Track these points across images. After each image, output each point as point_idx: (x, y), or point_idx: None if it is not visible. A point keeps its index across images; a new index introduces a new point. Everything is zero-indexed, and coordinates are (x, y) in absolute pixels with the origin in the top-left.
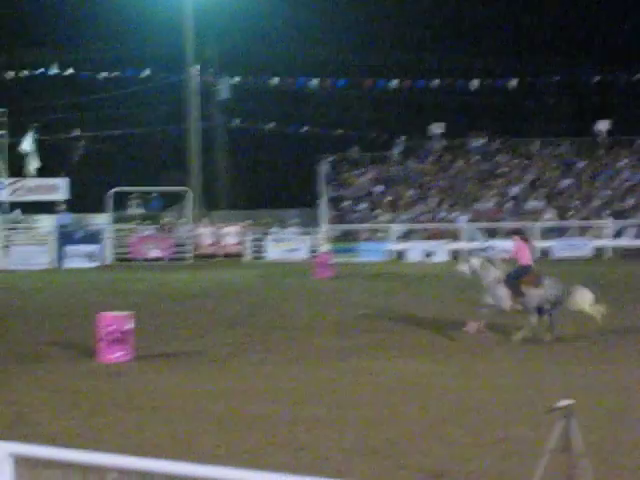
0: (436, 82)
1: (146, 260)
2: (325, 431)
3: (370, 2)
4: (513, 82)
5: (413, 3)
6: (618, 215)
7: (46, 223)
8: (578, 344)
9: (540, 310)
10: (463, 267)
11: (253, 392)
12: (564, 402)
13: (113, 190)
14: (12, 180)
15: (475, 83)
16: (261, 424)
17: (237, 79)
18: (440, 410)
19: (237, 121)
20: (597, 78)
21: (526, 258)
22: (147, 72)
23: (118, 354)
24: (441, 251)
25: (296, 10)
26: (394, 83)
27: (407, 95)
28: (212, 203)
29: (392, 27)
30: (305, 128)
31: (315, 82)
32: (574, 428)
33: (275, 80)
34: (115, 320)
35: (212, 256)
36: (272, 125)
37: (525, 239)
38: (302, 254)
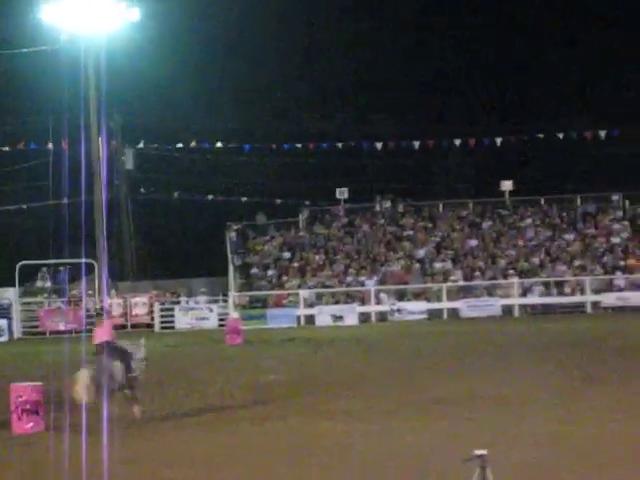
0: (339, 145)
1: (55, 333)
2: None
3: (275, 69)
4: (416, 144)
5: (318, 66)
6: (524, 274)
7: None
8: (488, 400)
9: None
10: None
11: (168, 457)
12: (479, 452)
13: (20, 264)
14: None
15: (379, 146)
16: None
17: (141, 148)
18: (345, 471)
19: (142, 191)
20: (500, 139)
21: None
22: (49, 144)
23: (30, 425)
24: (350, 314)
25: (200, 78)
26: (298, 146)
27: (311, 161)
28: (119, 274)
29: (296, 92)
30: (210, 197)
31: (219, 146)
32: (489, 477)
33: (179, 148)
34: (25, 391)
35: (121, 327)
36: (177, 194)
37: None
38: (211, 322)
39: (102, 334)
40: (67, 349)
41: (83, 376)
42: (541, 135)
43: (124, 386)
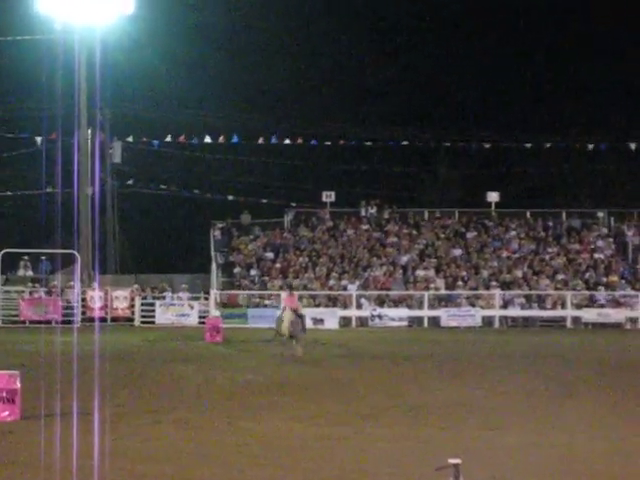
0: (328, 144)
1: (35, 322)
2: None
3: (267, 67)
4: (404, 150)
5: (310, 67)
6: (506, 286)
7: None
8: (463, 409)
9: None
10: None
11: (141, 452)
12: (453, 461)
13: (2, 251)
14: None
15: (367, 149)
16: None
17: (130, 141)
18: (316, 475)
19: (129, 184)
20: (487, 148)
21: None
22: (39, 134)
23: (5, 413)
24: (331, 318)
25: (192, 73)
26: (286, 141)
27: (299, 163)
28: (102, 267)
29: (288, 92)
30: (196, 191)
31: (208, 142)
32: None
33: (168, 143)
34: (2, 379)
35: (102, 320)
36: (164, 188)
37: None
38: (192, 319)
39: (289, 302)
40: (45, 339)
41: (287, 318)
42: (529, 145)
43: (300, 335)
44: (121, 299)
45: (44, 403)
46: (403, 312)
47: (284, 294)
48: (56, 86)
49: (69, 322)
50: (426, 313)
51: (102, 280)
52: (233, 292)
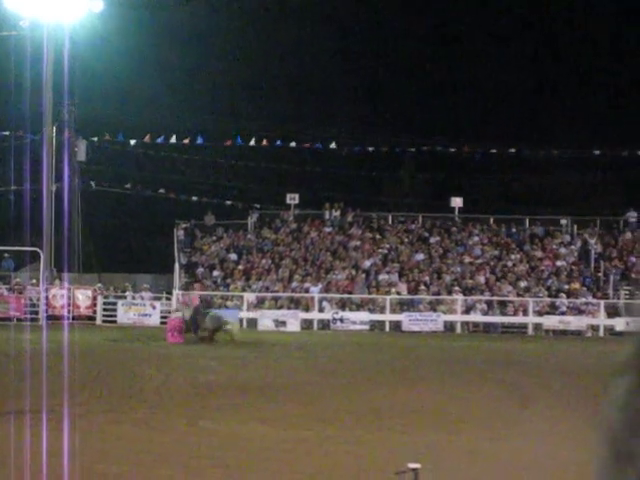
0: (292, 145)
1: None
2: None
3: (235, 68)
4: (369, 154)
5: (277, 69)
6: (468, 291)
7: None
8: (423, 413)
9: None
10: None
11: (101, 452)
12: (413, 465)
13: None
14: None
15: (331, 151)
16: None
17: (95, 140)
18: (275, 478)
19: (93, 183)
20: (452, 153)
21: None
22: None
23: None
24: (293, 320)
25: (159, 73)
26: (251, 143)
27: (264, 165)
28: (65, 265)
29: (250, 92)
30: (161, 191)
31: (173, 141)
32: None
33: (132, 142)
34: None
35: (64, 318)
36: (128, 187)
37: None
38: (154, 319)
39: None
40: (6, 336)
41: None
42: (493, 151)
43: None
44: (83, 298)
45: (2, 401)
46: (365, 316)
47: (192, 293)
48: (23, 83)
49: (32, 320)
50: (388, 317)
51: (65, 278)
52: (222, 294)
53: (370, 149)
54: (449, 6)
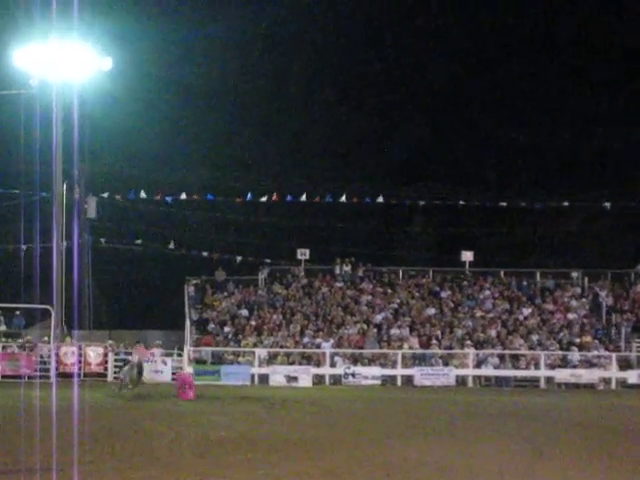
0: (302, 202)
1: (8, 377)
2: None
3: (242, 126)
4: (379, 204)
5: (287, 123)
6: (480, 345)
7: None
8: (434, 468)
9: None
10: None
11: None
12: None
13: None
14: None
15: (342, 205)
16: None
17: (105, 197)
18: None
19: (102, 240)
20: (462, 207)
21: None
22: (14, 189)
23: None
24: (305, 376)
25: (165, 130)
26: (262, 199)
27: (274, 220)
28: (75, 322)
29: (260, 148)
30: (171, 247)
31: (183, 197)
32: None
33: (143, 199)
34: None
35: (74, 375)
36: (138, 243)
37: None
38: (165, 376)
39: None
40: (18, 394)
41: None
42: (504, 204)
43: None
44: (95, 355)
45: (12, 459)
46: (376, 370)
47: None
48: (32, 141)
49: (43, 377)
50: (400, 372)
51: (75, 336)
52: (234, 350)
53: (380, 202)
54: (458, 60)
